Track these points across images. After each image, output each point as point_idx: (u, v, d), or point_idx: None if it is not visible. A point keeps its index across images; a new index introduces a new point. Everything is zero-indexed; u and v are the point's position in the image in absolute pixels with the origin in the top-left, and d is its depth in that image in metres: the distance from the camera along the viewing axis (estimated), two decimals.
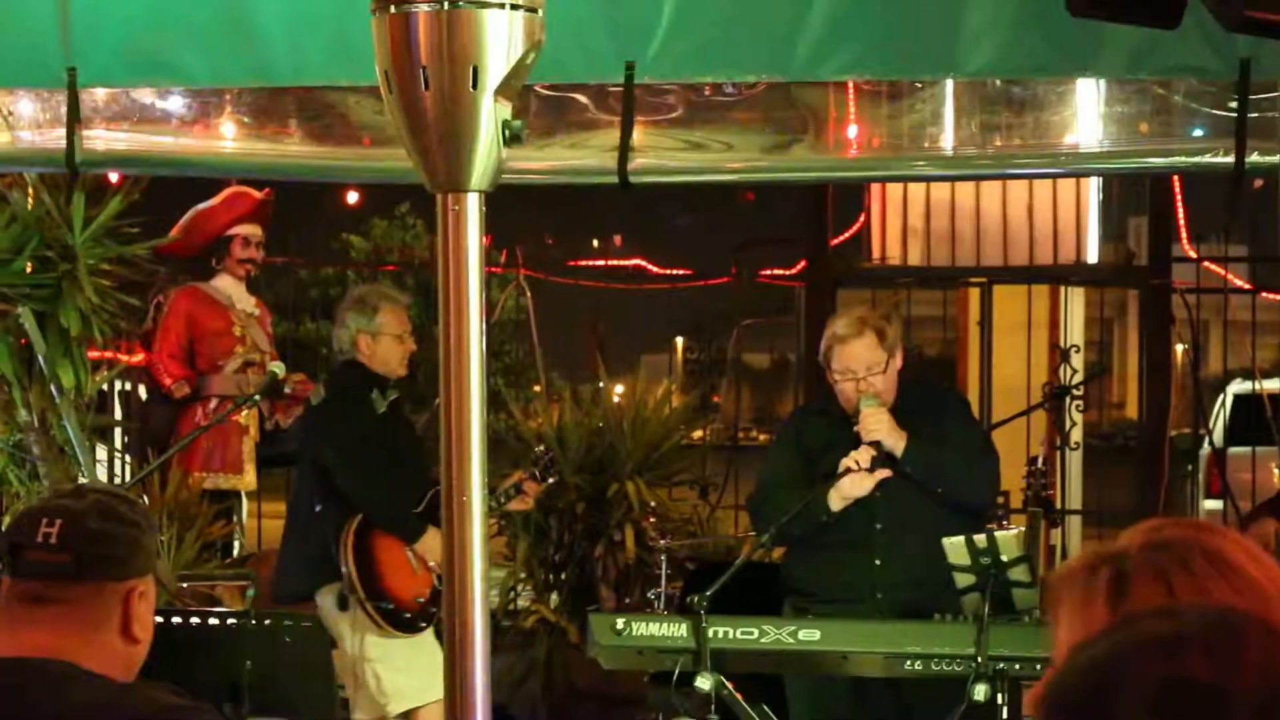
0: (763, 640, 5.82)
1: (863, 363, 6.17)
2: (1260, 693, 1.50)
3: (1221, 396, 14.22)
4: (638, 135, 5.97)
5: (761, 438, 13.15)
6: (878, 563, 6.18)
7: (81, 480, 7.73)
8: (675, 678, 5.73)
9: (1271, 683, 1.51)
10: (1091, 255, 12.61)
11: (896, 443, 6.10)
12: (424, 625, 6.96)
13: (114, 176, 8.41)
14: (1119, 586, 1.94)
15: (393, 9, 3.48)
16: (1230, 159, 5.86)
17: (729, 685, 5.75)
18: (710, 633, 5.72)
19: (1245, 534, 7.60)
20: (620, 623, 5.88)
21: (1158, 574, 1.94)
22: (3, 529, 3.03)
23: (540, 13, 3.54)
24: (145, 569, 3.04)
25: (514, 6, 3.48)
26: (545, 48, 3.62)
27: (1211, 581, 1.93)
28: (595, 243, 12.52)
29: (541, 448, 8.00)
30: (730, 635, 5.78)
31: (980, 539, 5.70)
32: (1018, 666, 5.65)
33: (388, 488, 6.96)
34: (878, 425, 6.09)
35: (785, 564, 6.53)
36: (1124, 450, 12.52)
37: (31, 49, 5.87)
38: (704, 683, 5.66)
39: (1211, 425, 13.08)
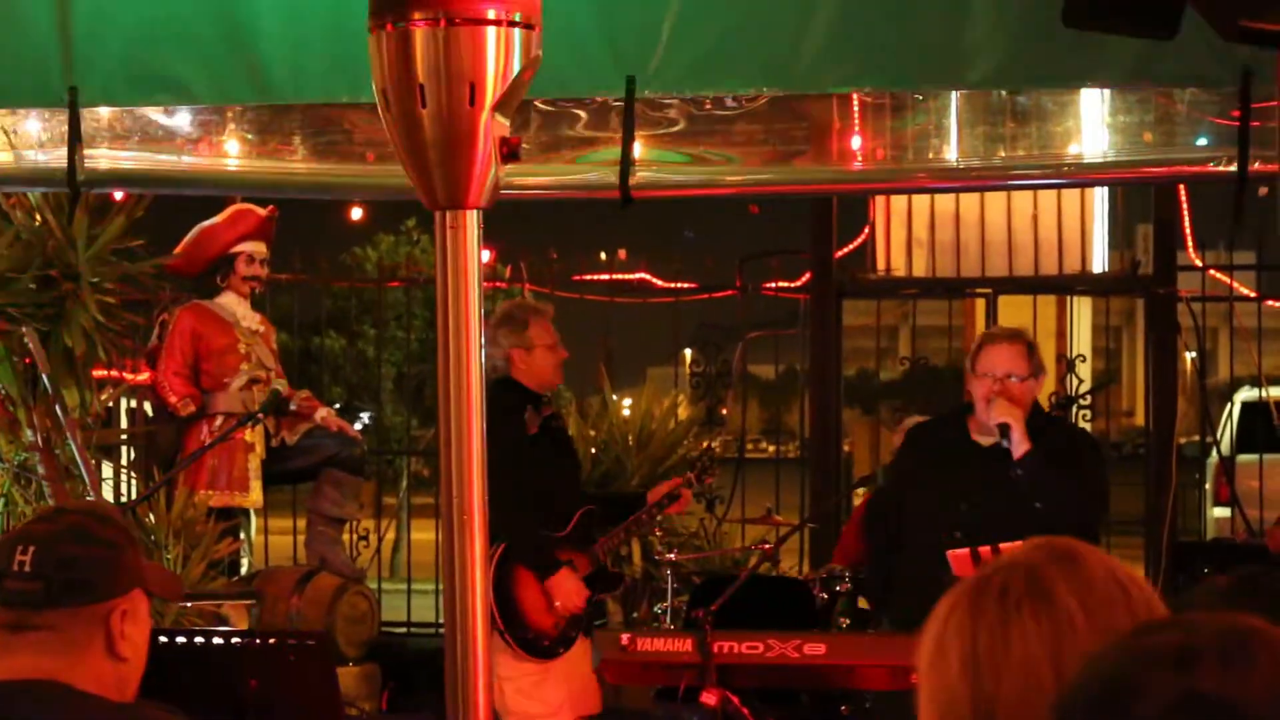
0: (768, 654, 5.81)
1: (1005, 367, 6.21)
2: (1271, 705, 1.49)
3: (1229, 404, 14.20)
4: (639, 149, 5.97)
5: (770, 449, 13.10)
6: None
7: (89, 499, 7.73)
8: (681, 692, 5.72)
9: None
10: (1097, 264, 12.60)
11: (1020, 440, 6.13)
12: (561, 650, 6.89)
13: (119, 195, 8.42)
14: (1003, 595, 1.92)
15: (390, 27, 3.48)
16: (1233, 167, 5.85)
17: (735, 700, 5.74)
18: (715, 647, 5.71)
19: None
20: (625, 638, 5.87)
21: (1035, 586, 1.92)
22: None
23: (537, 30, 3.54)
24: (128, 587, 3.01)
25: (511, 24, 3.48)
26: (546, 63, 3.63)
27: (1018, 607, 1.90)
28: (603, 255, 12.49)
29: (707, 444, 8.00)
30: (736, 650, 5.77)
31: (985, 551, 5.68)
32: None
33: (525, 521, 6.87)
34: (1008, 413, 6.14)
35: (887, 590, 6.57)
36: (1133, 459, 12.49)
37: (33, 69, 5.87)
38: (710, 698, 5.66)
39: (1219, 433, 13.05)
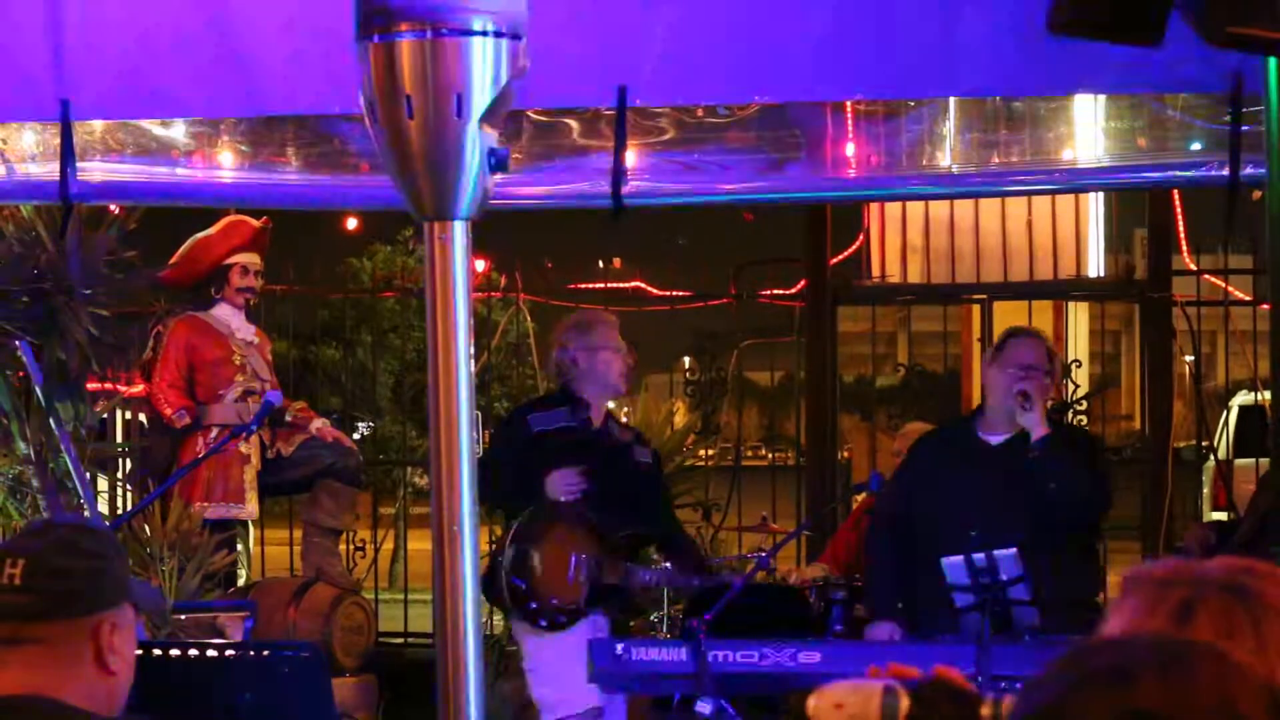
0: (763, 663, 5.81)
1: (1026, 361, 6.49)
2: (1215, 714, 1.48)
3: (1226, 408, 14.20)
4: (631, 158, 5.97)
5: (771, 456, 13.11)
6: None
7: (85, 514, 7.72)
8: (676, 702, 5.72)
9: (1225, 711, 1.48)
10: (1092, 269, 12.58)
11: (1040, 420, 6.38)
12: (580, 620, 6.87)
13: (115, 207, 8.41)
14: (1184, 613, 1.88)
15: (376, 38, 3.47)
16: (1226, 172, 5.85)
17: (730, 709, 5.74)
18: (710, 656, 5.70)
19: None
20: (619, 647, 5.87)
21: (1225, 617, 1.87)
22: None
23: (524, 40, 3.54)
24: (115, 600, 3.01)
25: (497, 34, 3.47)
26: (536, 73, 3.62)
27: (1273, 643, 1.87)
28: (600, 264, 12.49)
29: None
30: (730, 658, 5.77)
31: (979, 558, 5.69)
32: (1019, 686, 5.62)
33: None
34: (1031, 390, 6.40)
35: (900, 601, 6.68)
36: (1132, 463, 12.48)
37: (24, 82, 5.87)
38: (705, 707, 5.65)
39: (1217, 437, 13.05)
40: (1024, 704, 1.58)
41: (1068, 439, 6.59)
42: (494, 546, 7.08)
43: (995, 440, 6.50)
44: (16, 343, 8.17)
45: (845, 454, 13.94)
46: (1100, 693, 1.51)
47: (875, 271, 12.34)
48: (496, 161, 3.49)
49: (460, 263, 3.52)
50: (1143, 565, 1.99)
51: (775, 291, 11.55)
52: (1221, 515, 12.03)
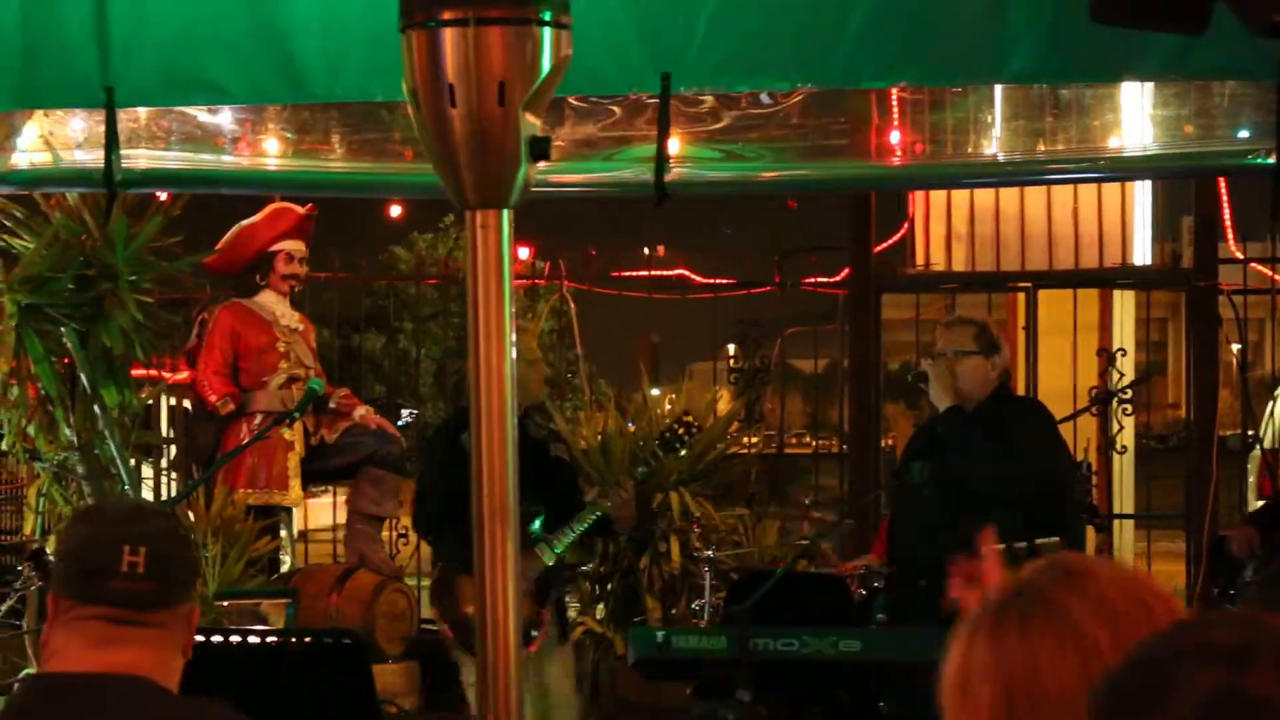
0: (804, 651, 5.80)
1: (936, 347, 6.80)
2: None
3: (1274, 397, 14.10)
4: (674, 146, 5.95)
5: (816, 444, 13.09)
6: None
7: (128, 498, 7.76)
8: (717, 689, 5.72)
9: None
10: (1138, 258, 12.52)
11: (941, 395, 6.63)
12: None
13: (163, 195, 8.44)
14: (995, 623, 1.88)
15: (420, 27, 3.47)
16: (1273, 160, 5.81)
17: (771, 696, 5.73)
18: (751, 644, 5.70)
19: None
20: (661, 635, 5.87)
21: (1014, 620, 1.88)
22: (71, 551, 3.06)
23: (567, 28, 3.53)
24: (196, 588, 3.15)
25: (540, 23, 3.46)
26: (579, 60, 3.61)
27: (1040, 637, 1.86)
28: (646, 251, 12.48)
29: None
30: (771, 646, 5.76)
31: (1021, 548, 5.66)
32: None
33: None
34: (929, 366, 6.69)
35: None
36: (1178, 452, 12.41)
37: (70, 70, 5.88)
38: (745, 695, 5.64)
39: (1264, 425, 12.95)
40: (1131, 658, 1.54)
41: (991, 414, 6.56)
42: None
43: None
44: (62, 329, 8.21)
45: (889, 441, 13.91)
46: (1209, 666, 1.48)
47: (920, 259, 12.31)
48: (538, 149, 3.48)
49: (503, 250, 3.52)
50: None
51: (819, 279, 11.54)
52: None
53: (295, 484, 9.14)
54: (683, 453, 8.26)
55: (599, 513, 7.38)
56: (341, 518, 9.94)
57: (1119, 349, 11.13)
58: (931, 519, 6.23)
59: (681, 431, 7.90)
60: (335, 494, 10.62)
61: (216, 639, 4.69)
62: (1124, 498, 12.26)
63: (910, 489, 6.52)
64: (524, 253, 12.17)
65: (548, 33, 3.48)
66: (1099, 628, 1.83)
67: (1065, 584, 1.88)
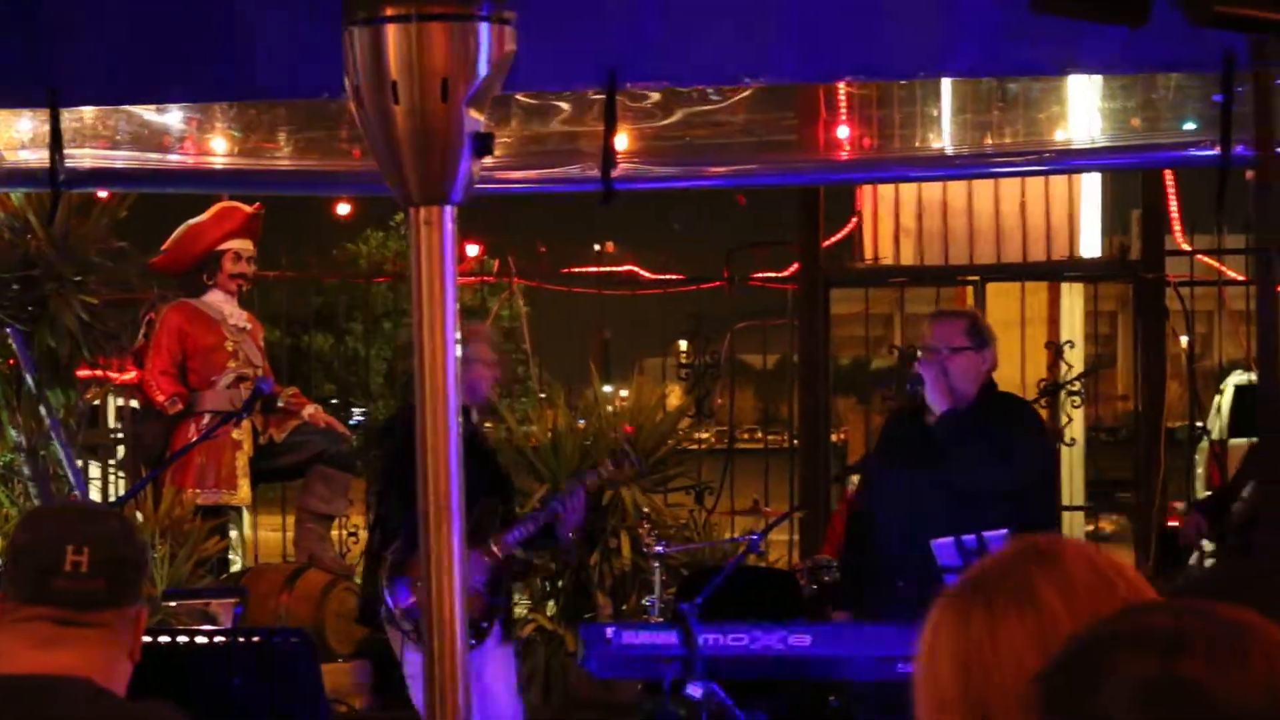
0: (753, 646, 5.81)
1: (925, 342, 6.58)
2: (1259, 704, 1.46)
3: (1220, 388, 14.18)
4: (621, 142, 5.94)
5: (767, 439, 13.12)
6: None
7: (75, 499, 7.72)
8: (666, 685, 5.72)
9: (1273, 696, 1.46)
10: (1087, 250, 12.56)
11: (941, 395, 6.40)
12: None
13: (103, 194, 8.39)
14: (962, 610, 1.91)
15: (361, 23, 3.45)
16: (1217, 150, 5.84)
17: (721, 692, 5.73)
18: (700, 639, 5.70)
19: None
20: (610, 631, 5.87)
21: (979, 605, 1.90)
22: (17, 551, 3.04)
23: (511, 24, 3.51)
24: (143, 591, 3.09)
25: (484, 18, 3.45)
26: (525, 57, 3.59)
27: (1004, 609, 1.88)
28: (596, 248, 12.49)
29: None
30: (721, 642, 5.77)
31: (969, 540, 5.68)
32: None
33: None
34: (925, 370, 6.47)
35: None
36: (1128, 444, 12.47)
37: (12, 70, 5.83)
38: (695, 690, 5.64)
39: (1210, 417, 13.02)
40: (1069, 644, 1.55)
41: (983, 412, 6.50)
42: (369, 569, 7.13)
43: (930, 420, 6.54)
44: (7, 330, 8.16)
45: (840, 436, 13.94)
46: (1144, 652, 1.49)
47: (868, 254, 12.32)
48: (482, 145, 3.46)
49: (447, 247, 3.50)
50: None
51: (768, 274, 11.55)
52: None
53: (244, 483, 9.11)
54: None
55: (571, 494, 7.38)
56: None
57: (1067, 341, 11.17)
58: (923, 518, 6.11)
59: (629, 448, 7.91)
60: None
61: (164, 639, 4.66)
62: (1074, 490, 12.31)
63: (896, 486, 6.40)
64: (473, 249, 12.15)
65: (491, 28, 3.46)
66: (1057, 599, 1.85)
67: (1035, 561, 1.90)
